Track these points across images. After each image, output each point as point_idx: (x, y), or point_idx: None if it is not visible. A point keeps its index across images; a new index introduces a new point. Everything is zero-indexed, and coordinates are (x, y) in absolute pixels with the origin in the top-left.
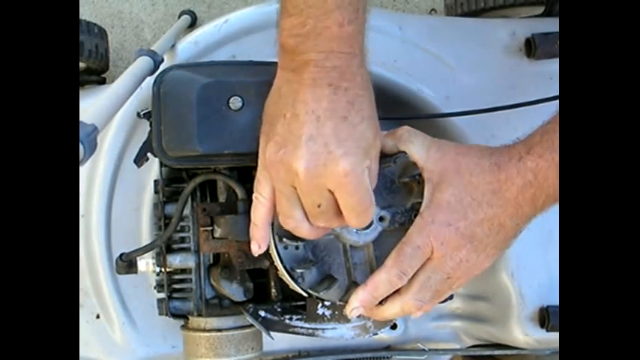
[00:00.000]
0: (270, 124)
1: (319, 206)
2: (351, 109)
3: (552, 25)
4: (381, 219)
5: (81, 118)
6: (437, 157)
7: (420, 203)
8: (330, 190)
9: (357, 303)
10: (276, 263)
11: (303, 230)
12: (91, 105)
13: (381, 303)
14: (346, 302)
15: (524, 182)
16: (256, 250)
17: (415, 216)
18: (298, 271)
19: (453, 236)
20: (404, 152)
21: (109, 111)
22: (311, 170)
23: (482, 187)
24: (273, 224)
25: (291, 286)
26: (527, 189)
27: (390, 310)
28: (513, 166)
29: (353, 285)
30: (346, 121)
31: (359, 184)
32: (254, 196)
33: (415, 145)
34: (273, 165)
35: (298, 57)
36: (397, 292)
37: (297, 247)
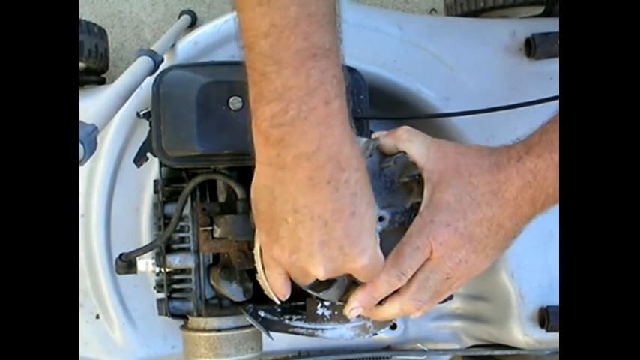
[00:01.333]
0: (270, 224)
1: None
2: (355, 202)
3: (552, 25)
4: (380, 219)
5: (81, 118)
6: (437, 157)
7: (420, 203)
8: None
9: (356, 303)
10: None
11: None
12: (91, 105)
13: (380, 303)
14: (345, 302)
15: (524, 183)
16: (282, 298)
17: (415, 216)
18: None
19: (452, 236)
20: (404, 152)
21: (109, 111)
22: (330, 272)
23: (481, 187)
24: None
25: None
26: (527, 189)
27: (390, 310)
28: (512, 166)
29: (352, 285)
30: (355, 216)
31: (377, 263)
32: (266, 273)
33: (415, 145)
34: (285, 264)
35: (286, 151)
36: (396, 292)
37: None
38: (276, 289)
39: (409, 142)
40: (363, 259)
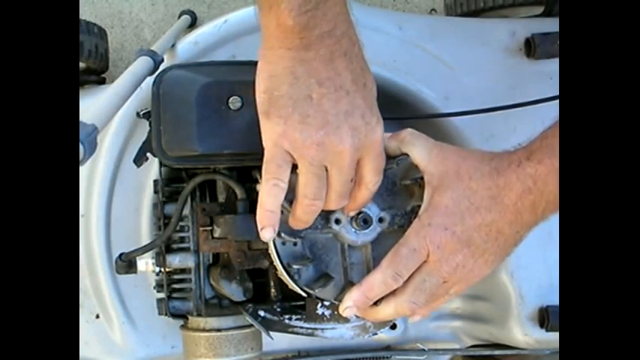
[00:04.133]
0: (292, 107)
1: (351, 180)
2: (365, 74)
3: (552, 25)
4: (380, 220)
5: (81, 118)
6: (438, 160)
7: (420, 206)
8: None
9: (350, 302)
10: (272, 258)
11: (317, 211)
12: (91, 105)
13: (376, 304)
14: (341, 301)
15: (524, 188)
16: (270, 236)
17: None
18: (295, 267)
19: (449, 240)
20: (406, 155)
21: (109, 111)
22: (355, 145)
23: (480, 192)
24: None
25: (290, 286)
26: (527, 195)
27: (384, 311)
28: (512, 171)
29: (349, 284)
30: (366, 87)
31: (383, 143)
32: (270, 182)
33: (417, 148)
34: (309, 147)
35: (310, 33)
36: (392, 293)
37: (294, 244)
38: (272, 204)
39: (412, 144)
40: (379, 130)
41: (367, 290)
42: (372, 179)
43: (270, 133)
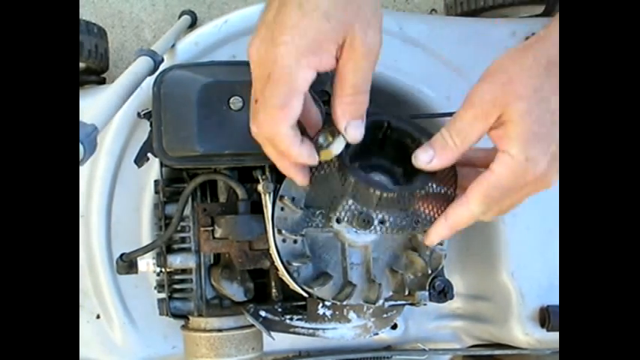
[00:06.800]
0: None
1: (256, 102)
2: (313, 15)
3: None
4: (382, 222)
5: (81, 118)
6: (496, 93)
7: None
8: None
9: (437, 238)
10: (272, 255)
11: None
12: (91, 105)
13: None
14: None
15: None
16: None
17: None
18: (294, 265)
19: (548, 165)
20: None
21: (109, 111)
22: (256, 57)
23: (552, 93)
24: (272, 218)
25: (291, 286)
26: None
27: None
28: (544, 40)
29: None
30: (301, 8)
31: (282, 77)
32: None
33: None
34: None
35: None
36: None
37: (295, 241)
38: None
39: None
40: (282, 50)
41: (454, 224)
42: (258, 111)
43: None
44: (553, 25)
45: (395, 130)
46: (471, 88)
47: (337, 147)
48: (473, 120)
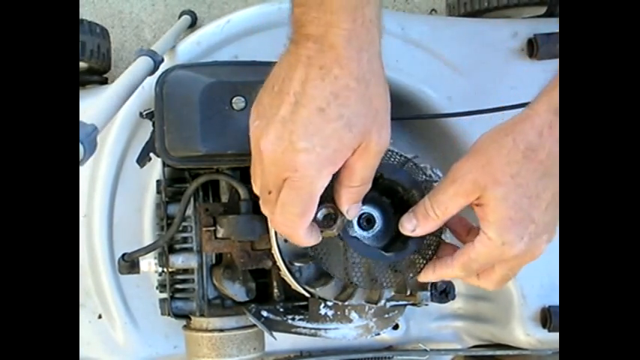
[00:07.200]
0: (263, 89)
1: (269, 193)
2: (331, 102)
3: (554, 25)
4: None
5: (81, 118)
6: (471, 182)
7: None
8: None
9: (426, 279)
10: (275, 257)
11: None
12: (92, 105)
13: None
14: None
15: (556, 140)
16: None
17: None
18: (296, 264)
19: (530, 242)
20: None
21: (109, 111)
22: (270, 153)
23: (530, 179)
24: None
25: (293, 286)
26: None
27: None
28: (547, 138)
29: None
30: (322, 113)
31: (307, 185)
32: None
33: (443, 191)
34: (252, 139)
35: (300, 29)
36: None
37: None
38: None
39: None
40: (302, 159)
41: (441, 277)
42: (276, 219)
43: None
44: (537, 103)
45: (387, 180)
46: (474, 88)
47: (339, 227)
48: (454, 195)
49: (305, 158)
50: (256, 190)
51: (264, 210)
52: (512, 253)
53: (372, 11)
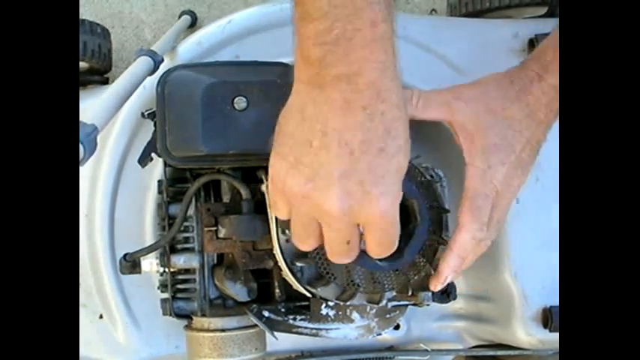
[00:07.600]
0: (291, 148)
1: (348, 243)
2: (387, 139)
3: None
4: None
5: (81, 118)
6: (461, 106)
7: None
8: (358, 225)
9: (449, 270)
10: (277, 258)
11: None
12: (92, 105)
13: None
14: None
15: (549, 98)
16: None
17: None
18: (298, 264)
19: (510, 171)
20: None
21: (109, 111)
22: (345, 210)
23: (517, 116)
24: (276, 218)
25: (294, 286)
26: (554, 103)
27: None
28: (537, 87)
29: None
30: (383, 153)
31: (392, 221)
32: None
33: (434, 108)
34: (296, 197)
35: (326, 70)
36: None
37: None
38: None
39: (428, 107)
40: (381, 204)
41: (461, 251)
42: (374, 251)
43: (270, 165)
44: (529, 61)
45: None
46: None
47: None
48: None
49: (384, 202)
50: (301, 244)
51: (346, 258)
52: (497, 179)
53: (395, 41)
